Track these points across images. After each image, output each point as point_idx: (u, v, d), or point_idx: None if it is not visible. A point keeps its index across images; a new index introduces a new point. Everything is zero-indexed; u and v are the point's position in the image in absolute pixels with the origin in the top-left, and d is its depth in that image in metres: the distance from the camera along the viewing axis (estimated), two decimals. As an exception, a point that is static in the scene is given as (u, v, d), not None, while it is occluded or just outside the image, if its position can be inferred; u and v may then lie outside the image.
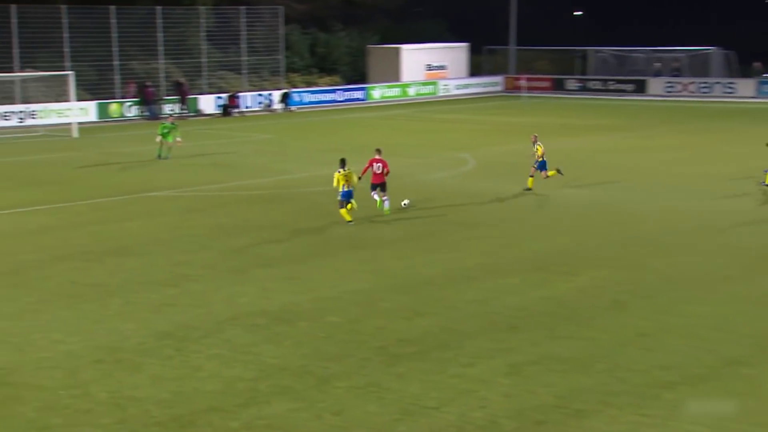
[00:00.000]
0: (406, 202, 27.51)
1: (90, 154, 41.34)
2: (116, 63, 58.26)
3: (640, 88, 70.91)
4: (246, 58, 64.41)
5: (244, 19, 63.81)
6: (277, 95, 63.03)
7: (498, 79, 77.10)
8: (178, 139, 39.21)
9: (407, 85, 71.34)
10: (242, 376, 14.43)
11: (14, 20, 54.23)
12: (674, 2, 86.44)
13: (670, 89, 69.97)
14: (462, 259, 21.79)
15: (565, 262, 21.24)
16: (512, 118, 55.93)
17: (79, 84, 52.58)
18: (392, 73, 72.09)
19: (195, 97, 59.96)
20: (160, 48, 60.11)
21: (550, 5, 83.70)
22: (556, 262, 21.32)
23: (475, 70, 78.21)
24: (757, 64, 68.74)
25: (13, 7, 54.31)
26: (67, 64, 55.08)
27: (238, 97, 60.74)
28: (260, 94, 63.08)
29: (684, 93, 69.00)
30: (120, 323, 17.15)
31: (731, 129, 49.57)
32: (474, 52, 77.64)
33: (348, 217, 25.55)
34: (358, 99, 68.08)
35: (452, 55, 76.12)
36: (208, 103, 60.50)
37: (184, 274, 20.57)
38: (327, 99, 66.73)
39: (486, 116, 57.65)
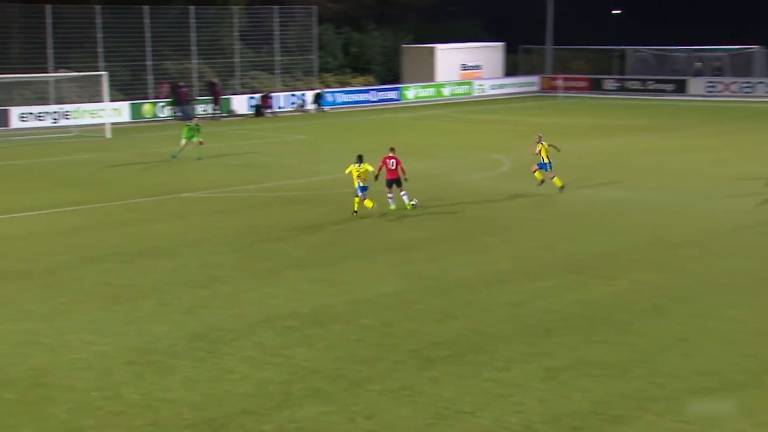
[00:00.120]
0: (414, 201, 27.38)
1: (123, 155, 41.49)
2: (149, 63, 58.49)
3: (680, 88, 70.04)
4: (279, 58, 64.45)
5: (278, 19, 63.85)
6: (310, 95, 63.02)
7: (534, 78, 76.64)
8: (200, 140, 39.28)
9: (442, 85, 71.04)
10: (274, 378, 14.31)
11: (49, 20, 54.62)
12: (715, 1, 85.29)
13: (711, 89, 68.98)
14: (496, 261, 21.57)
15: (602, 265, 20.95)
16: (549, 119, 55.52)
17: (113, 84, 52.87)
18: (426, 73, 71.77)
19: (228, 98, 60.08)
20: (193, 48, 60.30)
21: (587, 3, 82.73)
22: (592, 264, 21.04)
23: (510, 70, 77.75)
24: None
25: (48, 8, 54.70)
26: (101, 64, 55.38)
27: (270, 98, 60.74)
28: (293, 95, 63.09)
29: (725, 93, 68.03)
30: (152, 324, 17.09)
31: (774, 130, 48.90)
32: (510, 51, 77.12)
33: (363, 202, 26.16)
34: (391, 99, 67.91)
35: (487, 54, 75.65)
36: (240, 104, 60.59)
37: (216, 275, 20.49)
38: (360, 99, 66.59)
39: (522, 117, 57.22)
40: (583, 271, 20.46)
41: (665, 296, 18.52)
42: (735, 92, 67.88)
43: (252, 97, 60.99)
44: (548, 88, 74.19)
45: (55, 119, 52.15)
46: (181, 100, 57.10)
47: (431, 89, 70.39)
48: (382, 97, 67.67)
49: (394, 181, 26.87)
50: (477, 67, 74.42)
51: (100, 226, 26.09)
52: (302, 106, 62.51)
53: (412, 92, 69.30)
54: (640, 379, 14.11)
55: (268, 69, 64.63)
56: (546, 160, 29.81)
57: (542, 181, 29.89)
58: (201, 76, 61.01)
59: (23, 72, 50.93)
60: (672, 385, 13.85)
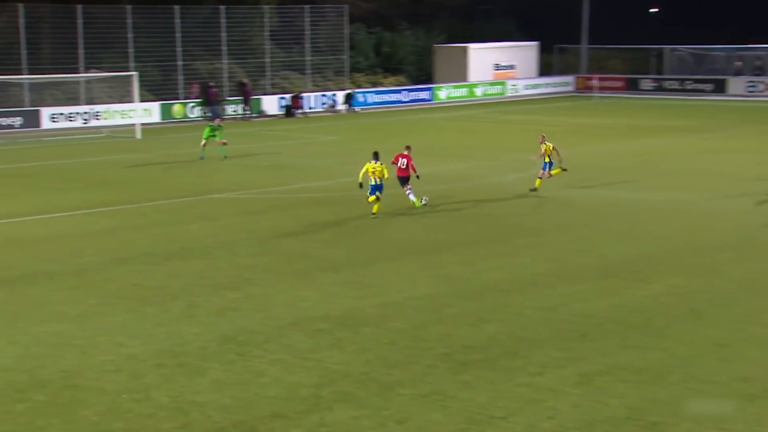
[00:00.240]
0: (424, 200, 27.29)
1: (153, 156, 41.57)
2: (180, 63, 58.65)
3: (720, 87, 69.08)
4: (310, 58, 64.40)
5: (308, 19, 63.81)
6: (341, 96, 62.94)
7: (569, 78, 76.11)
8: (224, 140, 39.27)
9: (474, 86, 70.71)
10: (304, 382, 14.17)
11: (80, 21, 54.88)
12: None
13: (751, 89, 67.90)
14: (529, 264, 21.32)
15: (637, 269, 20.64)
16: (584, 119, 55.15)
17: (143, 85, 53.04)
18: (459, 73, 71.38)
19: (258, 98, 60.11)
20: (224, 48, 60.38)
21: (624, 2, 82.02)
22: (627, 268, 20.74)
23: (545, 70, 77.22)
24: None
25: (79, 8, 54.95)
26: (131, 64, 55.60)
27: (301, 98, 60.72)
28: (324, 95, 63.04)
29: (767, 93, 67.09)
30: (182, 327, 17.00)
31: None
32: (544, 51, 76.60)
33: (374, 205, 26.20)
34: (423, 99, 67.69)
35: (521, 54, 75.12)
36: (271, 104, 60.60)
37: (246, 277, 20.39)
38: (392, 99, 66.41)
39: (556, 117, 56.79)
40: (618, 275, 20.18)
41: (702, 300, 18.21)
42: (776, 92, 66.94)
43: (282, 98, 60.99)
44: (583, 88, 73.66)
45: (85, 120, 52.37)
46: (211, 101, 57.13)
47: (464, 89, 70.08)
48: (414, 98, 67.43)
49: (404, 179, 26.98)
50: (510, 67, 73.95)
51: (130, 228, 26.08)
52: (333, 106, 62.43)
53: (445, 92, 69.03)
54: (677, 385, 13.84)
55: (299, 69, 64.60)
56: (546, 160, 29.86)
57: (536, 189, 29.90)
58: (231, 76, 61.08)
59: (54, 72, 51.25)
60: (711, 392, 13.58)
